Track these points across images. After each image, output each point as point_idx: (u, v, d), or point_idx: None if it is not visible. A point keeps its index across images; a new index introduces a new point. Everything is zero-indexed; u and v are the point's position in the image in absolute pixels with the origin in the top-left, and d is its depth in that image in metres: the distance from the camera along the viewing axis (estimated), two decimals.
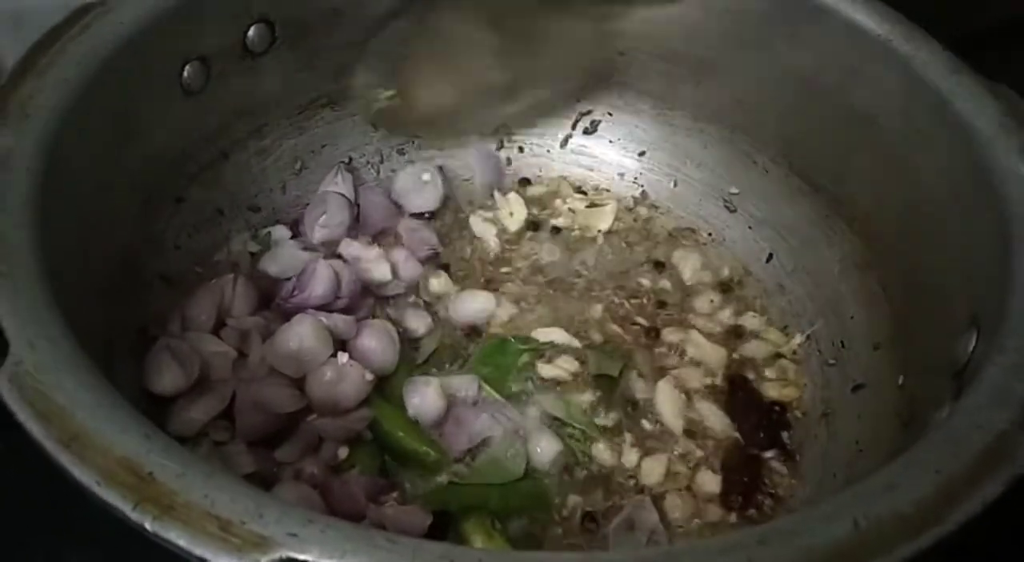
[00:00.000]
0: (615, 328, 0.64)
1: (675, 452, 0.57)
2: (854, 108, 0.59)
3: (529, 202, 0.71)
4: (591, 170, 0.73)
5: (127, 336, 0.53)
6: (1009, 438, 0.37)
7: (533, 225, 0.70)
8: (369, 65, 0.64)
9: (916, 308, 0.54)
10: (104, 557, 0.52)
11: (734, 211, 0.69)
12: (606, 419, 0.58)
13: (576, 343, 0.62)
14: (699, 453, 0.57)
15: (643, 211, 0.71)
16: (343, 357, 0.55)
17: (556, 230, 0.70)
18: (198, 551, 0.31)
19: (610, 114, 0.72)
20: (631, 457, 0.57)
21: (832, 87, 0.59)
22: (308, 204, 0.66)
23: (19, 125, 0.46)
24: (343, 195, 0.66)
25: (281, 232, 0.65)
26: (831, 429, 0.58)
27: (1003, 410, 0.38)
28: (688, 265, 0.67)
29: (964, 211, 0.50)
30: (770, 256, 0.67)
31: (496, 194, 0.71)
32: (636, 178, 0.72)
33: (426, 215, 0.69)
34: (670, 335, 0.63)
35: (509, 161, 0.73)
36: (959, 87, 0.53)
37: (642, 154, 0.72)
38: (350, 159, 0.69)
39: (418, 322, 0.62)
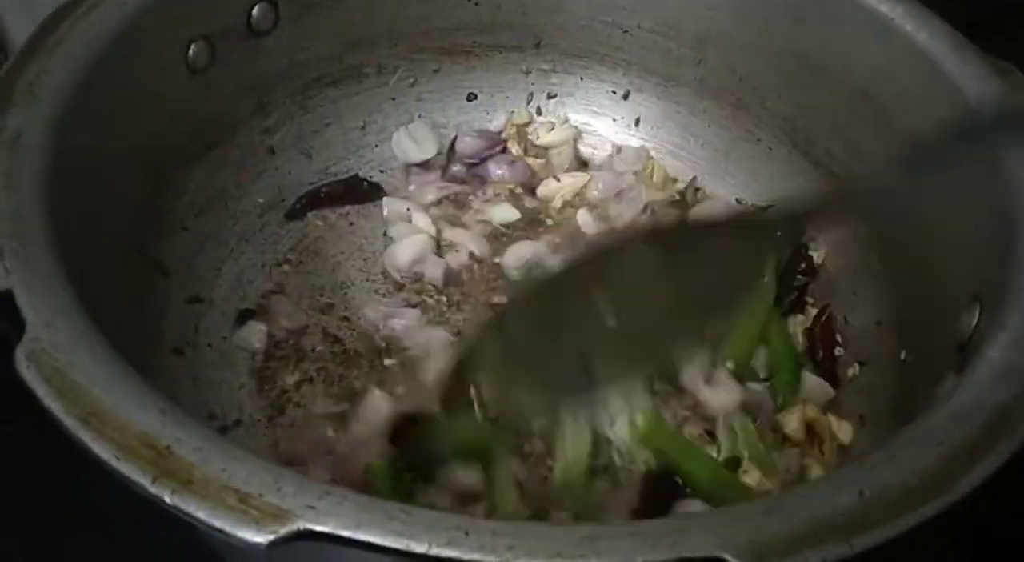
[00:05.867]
0: None
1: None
2: (857, 85, 0.59)
3: None
4: (594, 148, 0.73)
5: (136, 315, 0.54)
6: (1010, 411, 0.37)
7: None
8: None
9: (918, 284, 0.54)
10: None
11: None
12: None
13: None
14: None
15: None
16: None
17: None
18: (217, 523, 0.31)
19: (614, 92, 0.72)
20: None
21: (835, 64, 0.59)
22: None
23: (28, 105, 0.46)
24: None
25: None
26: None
27: (1005, 384, 0.39)
28: None
29: (966, 189, 0.50)
30: None
31: None
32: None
33: None
34: None
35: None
36: (963, 65, 0.53)
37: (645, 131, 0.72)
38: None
39: None
